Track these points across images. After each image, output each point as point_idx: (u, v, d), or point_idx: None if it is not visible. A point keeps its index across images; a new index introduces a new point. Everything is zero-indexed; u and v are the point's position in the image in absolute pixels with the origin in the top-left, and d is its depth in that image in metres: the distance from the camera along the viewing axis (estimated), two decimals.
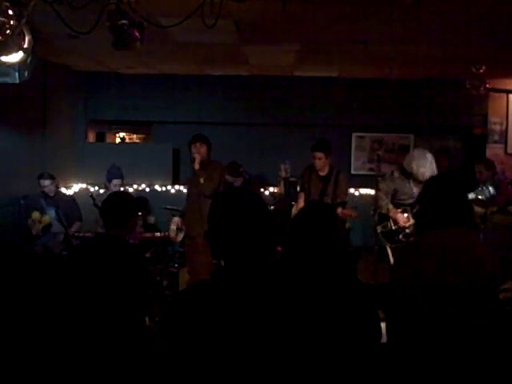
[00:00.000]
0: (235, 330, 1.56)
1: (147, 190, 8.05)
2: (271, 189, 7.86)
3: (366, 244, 6.53)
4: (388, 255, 5.28)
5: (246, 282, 1.63)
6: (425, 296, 2.35)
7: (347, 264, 2.49)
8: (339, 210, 5.41)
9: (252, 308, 1.59)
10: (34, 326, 3.15)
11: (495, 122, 8.17)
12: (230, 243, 1.67)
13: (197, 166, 5.32)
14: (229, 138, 6.56)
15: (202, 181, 5.23)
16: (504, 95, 8.01)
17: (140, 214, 3.22)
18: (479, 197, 4.72)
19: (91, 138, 8.69)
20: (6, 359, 3.04)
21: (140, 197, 7.09)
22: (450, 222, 2.41)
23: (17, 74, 4.29)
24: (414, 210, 5.05)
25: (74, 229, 6.05)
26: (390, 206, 5.27)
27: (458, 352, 2.29)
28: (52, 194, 6.15)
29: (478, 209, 5.40)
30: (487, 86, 6.72)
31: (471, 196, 4.73)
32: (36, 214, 5.94)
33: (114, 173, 6.37)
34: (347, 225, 6.11)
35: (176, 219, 5.70)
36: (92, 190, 7.73)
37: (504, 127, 8.15)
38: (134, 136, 9.85)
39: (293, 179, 6.51)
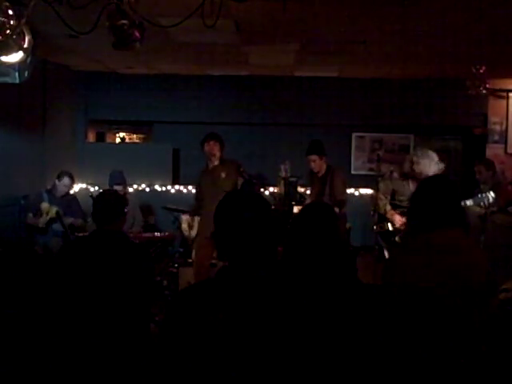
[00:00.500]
0: (235, 329, 1.56)
1: (147, 190, 8.05)
2: (271, 189, 7.86)
3: (365, 244, 6.53)
4: (385, 255, 5.29)
5: (249, 282, 1.63)
6: (413, 298, 2.34)
7: (347, 264, 2.49)
8: (336, 210, 5.43)
9: (253, 308, 1.59)
10: (35, 325, 3.15)
11: (495, 122, 8.17)
12: (236, 244, 1.67)
13: (216, 162, 5.48)
14: (229, 137, 6.54)
15: (223, 175, 5.41)
16: (504, 95, 8.01)
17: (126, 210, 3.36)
18: (480, 203, 4.73)
19: (91, 137, 8.69)
20: (6, 359, 3.04)
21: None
22: (442, 224, 2.40)
23: (17, 74, 4.29)
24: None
25: (75, 222, 6.03)
26: (388, 207, 5.27)
27: (450, 354, 2.28)
28: (61, 195, 6.14)
29: (477, 209, 5.41)
30: (487, 85, 6.72)
31: (469, 203, 4.74)
32: (45, 205, 5.94)
33: (116, 178, 6.35)
34: (347, 225, 6.12)
35: (186, 217, 5.77)
36: (92, 190, 7.73)
37: (504, 127, 8.15)
38: (134, 136, 9.85)
39: (293, 179, 6.51)
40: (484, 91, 6.69)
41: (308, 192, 6.73)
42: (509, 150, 8.13)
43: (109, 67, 7.58)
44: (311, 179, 5.96)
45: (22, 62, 3.71)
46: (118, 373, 2.79)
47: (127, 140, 9.72)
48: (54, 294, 3.01)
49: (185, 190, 8.06)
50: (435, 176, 3.34)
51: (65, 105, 7.85)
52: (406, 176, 5.14)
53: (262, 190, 7.74)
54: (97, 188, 7.75)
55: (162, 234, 6.23)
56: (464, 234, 2.47)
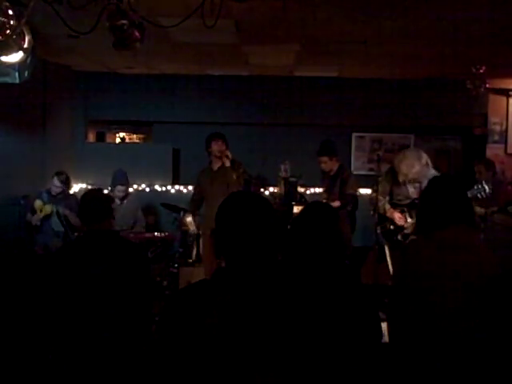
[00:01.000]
0: (231, 330, 1.56)
1: (147, 190, 8.05)
2: (271, 189, 7.85)
3: (365, 244, 6.52)
4: (386, 254, 5.30)
5: (246, 283, 1.63)
6: (425, 296, 2.35)
7: (347, 264, 2.49)
8: (336, 203, 5.53)
9: (251, 308, 1.59)
10: (34, 323, 3.16)
11: (495, 122, 8.17)
12: (233, 243, 1.67)
13: (228, 164, 5.48)
14: (229, 138, 6.54)
15: (234, 177, 5.42)
16: (504, 95, 8.01)
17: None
18: (477, 195, 4.74)
19: (91, 137, 8.69)
20: (5, 359, 3.04)
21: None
22: (451, 222, 2.42)
23: (17, 74, 4.29)
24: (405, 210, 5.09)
25: (74, 224, 6.04)
26: (387, 207, 5.29)
27: (459, 353, 2.29)
28: (54, 193, 6.16)
29: (477, 209, 5.40)
30: (487, 85, 6.72)
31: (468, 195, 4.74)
32: (38, 203, 5.97)
33: (119, 178, 6.35)
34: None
35: (187, 218, 5.79)
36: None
37: (504, 127, 8.14)
38: (134, 136, 9.84)
39: (293, 179, 6.51)
40: (484, 91, 6.69)
41: (312, 191, 6.79)
42: (509, 150, 8.13)
43: (109, 67, 7.58)
44: (323, 177, 6.07)
45: (21, 62, 3.71)
46: (116, 373, 2.78)
47: (127, 140, 9.72)
48: (49, 295, 3.00)
49: (185, 190, 8.06)
50: (443, 175, 3.36)
51: (65, 105, 7.84)
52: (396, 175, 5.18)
53: (261, 190, 7.74)
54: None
55: (162, 234, 6.24)
56: (473, 231, 2.50)
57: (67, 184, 6.34)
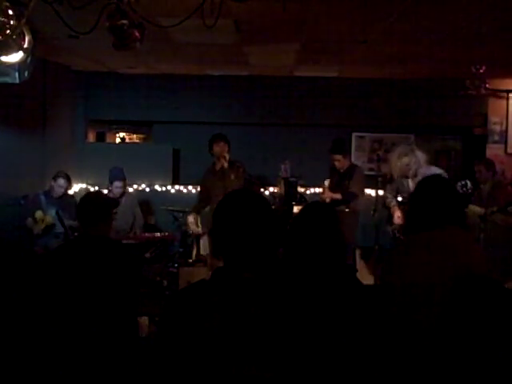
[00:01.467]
0: (230, 330, 1.56)
1: (147, 190, 8.05)
2: (271, 189, 7.85)
3: (365, 244, 6.53)
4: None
5: (245, 282, 1.63)
6: (412, 296, 2.34)
7: (347, 264, 2.49)
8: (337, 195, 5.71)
9: (250, 308, 1.59)
10: (33, 324, 3.15)
11: (495, 122, 8.17)
12: (231, 243, 1.67)
13: (225, 164, 5.59)
14: (229, 137, 6.55)
15: (232, 177, 5.53)
16: (504, 95, 8.00)
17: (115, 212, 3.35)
18: (460, 191, 4.82)
19: (91, 137, 8.69)
20: (2, 358, 3.04)
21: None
22: (441, 223, 2.40)
23: (17, 74, 4.30)
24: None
25: (74, 224, 6.04)
26: (393, 203, 5.37)
27: (448, 352, 2.28)
28: (57, 196, 6.15)
29: (477, 209, 5.41)
30: (487, 85, 6.72)
31: None
32: (39, 213, 5.95)
33: (116, 174, 6.36)
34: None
35: (190, 218, 5.83)
36: (92, 190, 7.73)
37: (504, 127, 8.14)
38: (134, 136, 9.85)
39: (293, 179, 6.52)
40: (484, 91, 6.69)
41: (312, 191, 6.81)
42: (509, 150, 8.13)
43: (109, 67, 7.58)
44: (331, 172, 6.16)
45: (22, 62, 3.72)
46: (106, 372, 2.78)
47: (127, 140, 9.72)
48: (41, 296, 3.00)
49: (185, 190, 8.06)
50: (433, 176, 3.35)
51: (65, 105, 7.84)
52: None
53: (261, 189, 7.74)
54: (97, 188, 7.74)
55: (162, 234, 6.24)
56: (463, 233, 2.48)
57: (70, 184, 6.35)
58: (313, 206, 2.69)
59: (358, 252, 6.35)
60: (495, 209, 5.42)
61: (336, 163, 5.95)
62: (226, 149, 5.68)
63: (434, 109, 8.01)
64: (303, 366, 1.60)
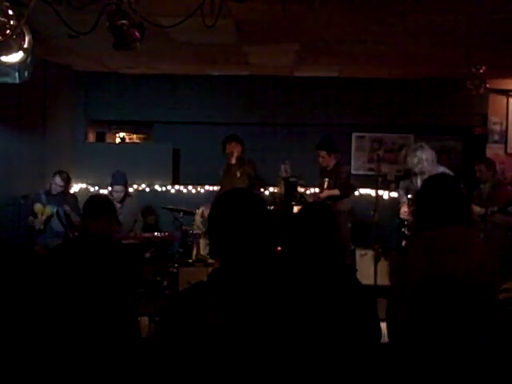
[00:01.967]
0: (228, 331, 1.56)
1: (147, 190, 8.04)
2: (271, 189, 7.86)
3: (366, 244, 6.53)
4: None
5: (242, 283, 1.63)
6: (423, 295, 2.34)
7: (346, 264, 2.49)
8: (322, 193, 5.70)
9: (248, 308, 1.59)
10: (32, 324, 3.15)
11: (495, 122, 8.17)
12: (227, 243, 1.66)
13: (233, 161, 5.93)
14: None
15: (238, 175, 5.87)
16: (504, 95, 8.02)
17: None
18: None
19: (91, 137, 8.69)
20: (3, 359, 3.04)
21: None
22: (447, 221, 2.41)
23: (17, 74, 4.29)
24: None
25: (74, 223, 6.05)
26: (403, 199, 5.45)
27: (458, 351, 2.28)
28: (55, 193, 6.16)
29: (477, 209, 5.41)
30: (487, 85, 6.72)
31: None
32: (38, 206, 5.98)
33: (117, 179, 6.34)
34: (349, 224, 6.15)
35: (200, 210, 5.92)
36: (92, 190, 7.73)
37: (504, 127, 8.14)
38: (134, 136, 9.84)
39: (293, 179, 6.52)
40: (484, 91, 6.69)
41: (312, 190, 6.85)
42: (509, 150, 8.13)
43: (109, 67, 7.58)
44: (321, 171, 6.24)
45: (21, 62, 3.71)
46: (106, 372, 2.78)
47: (127, 140, 9.72)
48: (40, 295, 3.00)
49: (185, 190, 8.06)
50: (439, 174, 3.35)
51: (65, 105, 7.84)
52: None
53: (262, 189, 7.75)
54: (97, 188, 7.75)
55: (162, 234, 6.24)
56: (469, 231, 2.49)
57: (68, 183, 6.35)
58: (312, 206, 2.69)
59: (358, 252, 6.35)
60: (495, 209, 5.43)
61: (320, 159, 6.00)
62: (238, 148, 6.00)
63: (433, 109, 8.01)
64: (302, 367, 1.60)
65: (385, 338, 2.48)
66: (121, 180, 6.33)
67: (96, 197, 3.16)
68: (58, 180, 6.15)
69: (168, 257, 6.09)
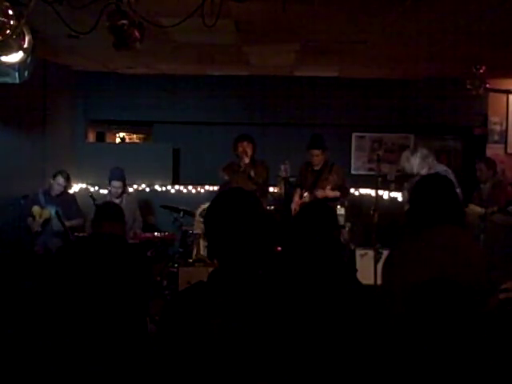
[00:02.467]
0: (227, 332, 1.56)
1: (147, 190, 8.04)
2: (271, 189, 7.85)
3: (365, 244, 6.53)
4: None
5: (240, 283, 1.63)
6: (413, 296, 2.34)
7: (346, 264, 2.49)
8: (320, 192, 5.69)
9: (247, 310, 1.59)
10: (34, 324, 3.15)
11: (495, 122, 8.17)
12: (225, 245, 1.67)
13: (247, 161, 5.85)
14: (229, 138, 6.55)
15: (252, 174, 5.82)
16: (504, 95, 8.01)
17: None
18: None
19: (91, 137, 8.69)
20: (6, 360, 3.04)
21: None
22: (439, 221, 2.40)
23: (17, 74, 4.30)
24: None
25: (75, 223, 6.05)
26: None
27: (451, 352, 2.28)
28: (56, 194, 6.16)
29: (477, 209, 5.42)
30: (487, 85, 6.72)
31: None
32: (36, 208, 5.98)
33: (115, 174, 6.36)
34: (347, 224, 6.14)
35: (202, 208, 5.89)
36: (92, 189, 7.73)
37: (504, 127, 8.14)
38: (134, 136, 9.85)
39: (293, 179, 6.52)
40: (484, 91, 6.69)
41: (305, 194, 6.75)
42: (509, 150, 8.13)
43: (109, 67, 7.58)
44: (304, 171, 6.13)
45: (21, 62, 3.72)
46: (116, 372, 2.78)
47: (127, 140, 9.72)
48: (52, 292, 3.01)
49: (185, 190, 8.06)
50: (431, 174, 3.35)
51: (65, 105, 7.84)
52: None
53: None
54: (97, 188, 7.74)
55: (162, 234, 6.24)
56: (462, 232, 2.47)
57: (69, 182, 6.37)
58: (312, 205, 2.69)
59: (358, 252, 6.35)
60: (495, 209, 5.43)
61: (315, 158, 5.92)
62: (250, 147, 5.92)
63: (433, 109, 8.01)
64: (302, 366, 1.60)
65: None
66: (119, 176, 6.35)
67: (111, 202, 3.28)
68: (60, 180, 6.15)
69: (168, 257, 6.08)
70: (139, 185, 7.98)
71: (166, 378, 1.63)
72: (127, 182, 6.62)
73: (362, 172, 8.36)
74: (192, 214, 6.62)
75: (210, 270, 1.72)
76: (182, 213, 6.32)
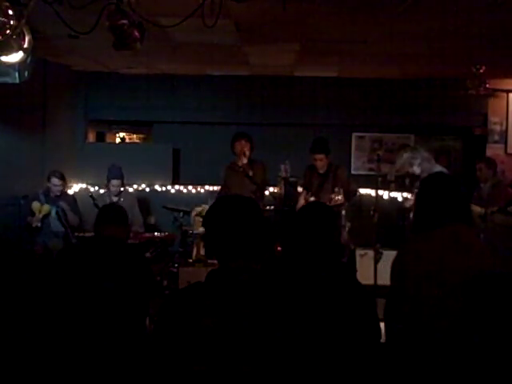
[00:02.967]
0: (226, 330, 1.56)
1: (147, 190, 8.04)
2: (271, 189, 7.85)
3: (365, 244, 6.52)
4: None
5: (239, 283, 1.64)
6: (424, 296, 2.34)
7: (344, 263, 2.49)
8: (333, 196, 5.59)
9: (244, 309, 1.59)
10: (32, 325, 3.15)
11: (495, 122, 8.17)
12: (224, 246, 1.68)
13: (245, 161, 5.73)
14: (228, 138, 6.56)
15: (251, 173, 5.70)
16: (504, 95, 8.01)
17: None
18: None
19: (91, 137, 8.69)
20: (5, 359, 3.04)
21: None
22: (447, 220, 2.40)
23: (17, 74, 4.29)
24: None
25: (71, 223, 6.05)
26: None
27: (459, 351, 2.28)
28: (56, 194, 6.17)
29: (477, 209, 5.41)
30: (487, 85, 6.72)
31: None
32: (36, 204, 5.99)
33: (114, 173, 6.37)
34: (348, 224, 6.13)
35: (200, 209, 5.86)
36: (92, 189, 7.73)
37: (504, 127, 8.14)
38: (134, 136, 9.85)
39: (293, 179, 6.52)
40: (484, 91, 6.69)
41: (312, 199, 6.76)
42: (509, 150, 8.13)
43: (109, 67, 7.58)
44: (309, 175, 6.04)
45: (21, 62, 3.71)
46: (116, 372, 2.78)
47: (127, 140, 9.72)
48: (52, 294, 3.01)
49: (185, 190, 8.06)
50: (436, 173, 3.34)
51: (65, 105, 7.84)
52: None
53: (266, 192, 7.74)
54: (97, 188, 7.74)
55: (162, 234, 6.24)
56: (469, 230, 2.47)
57: (65, 181, 6.35)
58: (312, 205, 2.68)
59: (357, 252, 6.33)
60: (495, 209, 5.42)
61: (318, 163, 5.82)
62: (248, 146, 5.80)
63: (434, 109, 8.01)
64: (299, 367, 1.60)
65: (382, 338, 2.48)
66: (118, 174, 6.37)
67: (112, 204, 3.27)
68: (55, 181, 6.16)
69: (168, 257, 6.08)
70: (139, 185, 7.98)
71: (160, 377, 1.63)
72: (127, 182, 6.63)
73: (361, 172, 8.36)
74: None
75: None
76: (181, 213, 6.32)
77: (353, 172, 8.41)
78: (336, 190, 5.64)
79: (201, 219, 6.06)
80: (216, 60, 6.81)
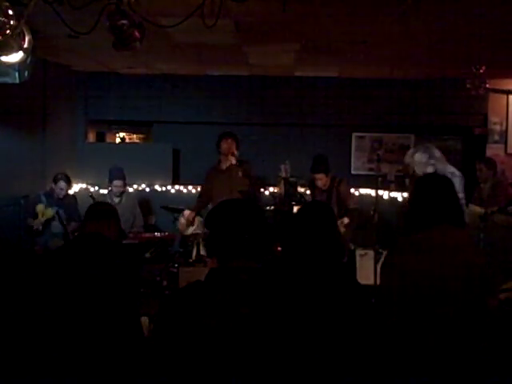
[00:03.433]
0: (226, 329, 1.56)
1: (147, 190, 8.05)
2: (271, 189, 7.85)
3: (365, 244, 6.53)
4: None
5: (239, 282, 1.64)
6: (413, 297, 2.34)
7: (344, 263, 2.49)
8: (345, 220, 5.53)
9: (244, 309, 1.59)
10: (30, 324, 3.15)
11: (495, 122, 8.17)
12: (225, 246, 1.69)
13: (233, 161, 5.58)
14: None
15: (240, 175, 5.54)
16: (504, 95, 8.01)
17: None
18: None
19: (91, 137, 8.69)
20: (3, 359, 3.04)
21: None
22: (437, 221, 2.39)
23: (17, 74, 4.29)
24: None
25: (70, 228, 6.05)
26: None
27: (449, 352, 2.28)
28: (59, 197, 6.17)
29: (477, 209, 5.41)
30: (487, 85, 6.71)
31: None
32: (40, 207, 5.99)
33: (116, 174, 6.38)
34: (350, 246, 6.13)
35: (186, 212, 5.81)
36: (92, 189, 7.73)
37: (504, 127, 8.14)
38: (134, 136, 9.85)
39: (293, 179, 6.51)
40: (484, 91, 6.69)
41: (308, 192, 6.75)
42: (509, 150, 8.13)
43: (109, 67, 7.58)
44: (312, 191, 6.04)
45: (21, 62, 3.71)
46: (108, 370, 2.77)
47: (127, 140, 9.72)
48: (43, 292, 3.00)
49: (185, 190, 8.06)
50: (429, 174, 3.33)
51: (65, 105, 7.84)
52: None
53: (262, 189, 7.74)
54: (97, 188, 7.75)
55: (162, 234, 6.23)
56: (461, 232, 2.46)
57: (70, 184, 6.39)
58: (311, 205, 2.68)
59: (357, 252, 6.32)
60: (495, 209, 5.42)
61: (318, 182, 5.74)
62: (234, 146, 5.69)
63: (434, 109, 8.01)
64: (298, 366, 1.60)
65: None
66: (120, 175, 6.38)
67: (97, 203, 3.25)
68: (62, 185, 6.17)
69: (168, 257, 6.08)
70: (139, 185, 7.99)
71: (160, 377, 1.63)
72: (127, 182, 6.63)
73: (361, 172, 8.36)
74: None
75: None
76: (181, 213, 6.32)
77: (353, 172, 8.42)
78: (339, 222, 5.55)
79: (201, 219, 6.07)
80: (216, 60, 6.81)
